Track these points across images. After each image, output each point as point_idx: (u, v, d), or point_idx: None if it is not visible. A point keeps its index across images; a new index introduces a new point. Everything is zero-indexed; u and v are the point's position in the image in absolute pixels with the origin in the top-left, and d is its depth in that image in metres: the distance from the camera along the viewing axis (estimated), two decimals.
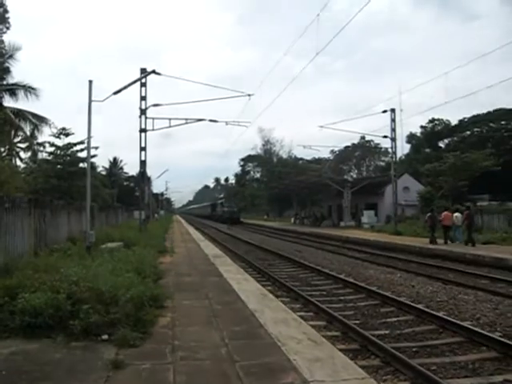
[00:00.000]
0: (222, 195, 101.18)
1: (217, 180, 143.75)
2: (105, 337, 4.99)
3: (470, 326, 6.88)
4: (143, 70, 18.07)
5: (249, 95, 19.53)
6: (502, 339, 6.21)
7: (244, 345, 4.92)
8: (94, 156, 24.42)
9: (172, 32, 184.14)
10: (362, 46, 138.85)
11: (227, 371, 4.11)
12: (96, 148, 23.93)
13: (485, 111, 55.15)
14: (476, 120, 54.96)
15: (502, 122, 52.49)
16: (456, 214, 20.09)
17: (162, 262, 12.17)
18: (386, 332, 7.01)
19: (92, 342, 4.90)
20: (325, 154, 74.54)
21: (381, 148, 68.37)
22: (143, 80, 18.75)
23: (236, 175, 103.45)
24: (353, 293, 10.39)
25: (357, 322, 7.63)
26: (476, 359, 5.72)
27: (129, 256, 9.78)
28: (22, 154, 26.96)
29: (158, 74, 15.97)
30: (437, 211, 21.61)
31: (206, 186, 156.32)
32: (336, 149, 65.77)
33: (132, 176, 64.17)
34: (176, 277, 9.84)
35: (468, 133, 55.33)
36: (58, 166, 21.78)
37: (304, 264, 15.14)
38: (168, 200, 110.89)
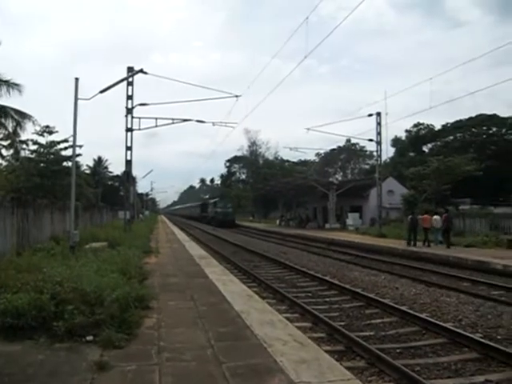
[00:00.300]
0: (207, 196, 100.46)
1: (202, 181, 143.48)
2: (89, 338, 4.92)
3: (452, 328, 7.00)
4: (130, 69, 17.91)
5: (236, 96, 19.53)
6: (483, 340, 6.35)
7: (230, 346, 4.91)
8: (78, 155, 24.08)
9: (160, 32, 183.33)
10: (347, 50, 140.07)
11: (213, 372, 4.09)
12: (80, 146, 23.60)
13: (467, 117, 56.20)
14: (459, 125, 55.96)
15: (484, 128, 53.58)
16: (435, 217, 20.61)
17: (147, 262, 12.08)
18: (371, 333, 7.08)
19: (76, 344, 4.83)
20: (311, 156, 74.97)
21: (366, 151, 69.18)
22: (130, 79, 18.58)
23: (221, 176, 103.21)
24: (338, 294, 10.46)
25: (342, 323, 7.69)
26: (458, 360, 5.82)
27: (114, 256, 9.68)
28: (4, 152, 26.45)
29: (145, 73, 15.87)
30: (420, 214, 22.00)
31: (192, 187, 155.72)
32: (322, 151, 66.10)
33: (117, 175, 63.44)
34: (161, 277, 9.76)
35: (451, 137, 56.32)
36: (42, 165, 21.46)
37: (289, 265, 15.19)
38: (153, 200, 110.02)
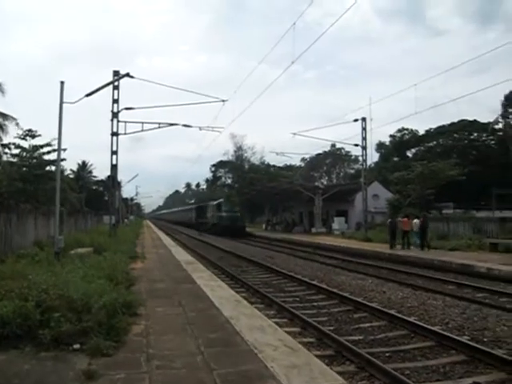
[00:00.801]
0: (192, 201, 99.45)
1: (188, 185, 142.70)
2: (76, 346, 4.81)
3: (439, 331, 7.07)
4: (116, 73, 17.76)
5: (223, 101, 19.52)
6: (470, 343, 6.43)
7: (220, 352, 4.86)
8: (62, 159, 23.69)
9: (145, 35, 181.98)
10: (333, 57, 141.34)
11: (204, 380, 4.04)
12: (64, 150, 23.20)
13: (450, 122, 57.18)
14: (441, 131, 56.89)
15: (465, 133, 54.57)
16: (415, 221, 21.20)
17: (133, 268, 11.92)
18: (360, 337, 7.09)
19: (63, 352, 4.71)
20: (296, 161, 75.25)
21: (351, 156, 69.86)
22: (116, 83, 18.43)
23: (207, 181, 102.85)
24: (326, 299, 10.48)
25: (331, 327, 7.70)
26: (446, 363, 5.87)
27: (100, 262, 9.53)
28: None
29: (132, 77, 15.74)
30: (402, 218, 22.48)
31: (177, 191, 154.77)
32: (307, 156, 66.49)
33: (101, 180, 62.66)
34: (148, 283, 9.64)
35: (434, 143, 57.22)
36: (24, 169, 21.02)
37: (277, 270, 15.18)
38: (138, 205, 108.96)
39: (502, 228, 21.68)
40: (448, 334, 6.83)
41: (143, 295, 8.03)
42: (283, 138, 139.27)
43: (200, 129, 22.21)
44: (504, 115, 51.93)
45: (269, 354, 4.74)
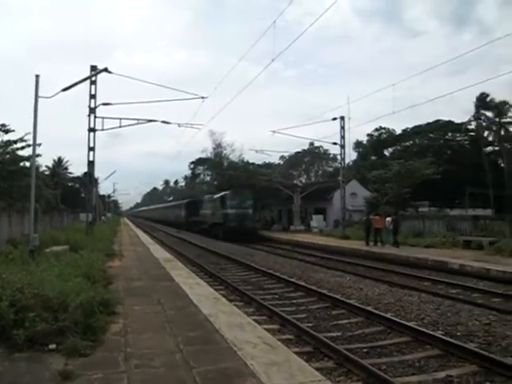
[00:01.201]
0: (169, 199, 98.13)
1: (166, 182, 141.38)
2: (52, 346, 4.72)
3: (415, 326, 7.22)
4: (93, 68, 17.43)
5: (202, 98, 19.39)
6: (444, 337, 6.60)
7: (200, 350, 4.84)
8: (37, 155, 23.17)
9: (124, 30, 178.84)
10: (313, 55, 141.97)
11: (184, 378, 4.03)
12: (39, 145, 22.68)
13: (425, 122, 58.39)
14: (418, 130, 58.02)
15: (441, 133, 55.82)
16: (388, 219, 21.79)
17: (111, 266, 11.76)
18: (338, 334, 7.19)
19: (38, 353, 4.61)
20: (275, 159, 75.42)
21: (329, 154, 70.55)
22: (93, 78, 18.08)
23: (186, 178, 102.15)
24: (304, 296, 10.57)
25: (309, 324, 7.77)
26: (421, 357, 6.01)
27: (76, 260, 9.36)
28: None
29: (110, 72, 15.46)
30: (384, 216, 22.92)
31: (155, 188, 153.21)
32: (286, 154, 66.75)
33: (78, 177, 61.42)
34: (126, 281, 9.53)
35: (411, 142, 58.32)
36: None
37: (255, 268, 15.22)
38: (115, 202, 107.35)
39: (475, 226, 22.27)
40: (423, 330, 6.99)
41: (121, 293, 7.93)
42: (263, 136, 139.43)
43: (179, 125, 22.02)
44: (476, 116, 53.38)
45: (248, 352, 4.75)
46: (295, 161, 76.66)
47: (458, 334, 7.10)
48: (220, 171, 76.31)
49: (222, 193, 34.04)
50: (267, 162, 75.14)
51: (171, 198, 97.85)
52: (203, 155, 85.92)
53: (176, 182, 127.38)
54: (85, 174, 24.67)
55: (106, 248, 14.96)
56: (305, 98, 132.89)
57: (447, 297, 10.15)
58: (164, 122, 21.43)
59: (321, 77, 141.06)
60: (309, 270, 14.87)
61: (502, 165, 51.66)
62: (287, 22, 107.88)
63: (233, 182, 41.27)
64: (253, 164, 78.07)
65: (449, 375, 5.32)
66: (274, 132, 29.93)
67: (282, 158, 74.53)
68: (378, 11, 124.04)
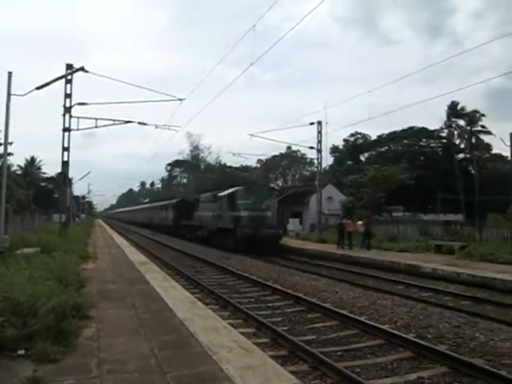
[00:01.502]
0: (143, 200, 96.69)
1: (142, 184, 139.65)
2: (21, 352, 4.57)
3: (388, 329, 7.34)
4: (69, 66, 17.09)
5: (180, 100, 19.28)
6: (416, 340, 6.73)
7: (174, 355, 4.80)
8: (9, 154, 22.56)
9: (103, 29, 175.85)
10: (291, 60, 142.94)
11: (158, 383, 3.98)
12: (10, 143, 22.08)
13: (401, 129, 59.67)
14: (393, 136, 59.27)
15: (415, 140, 57.16)
16: (359, 222, 22.30)
17: (84, 268, 11.52)
18: (313, 337, 7.24)
19: (6, 359, 4.45)
20: (253, 162, 75.60)
21: (306, 158, 71.14)
22: (69, 76, 17.72)
23: (162, 180, 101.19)
24: (280, 299, 10.60)
25: (285, 328, 7.80)
26: (394, 359, 6.11)
27: (48, 262, 9.13)
28: None
29: (86, 71, 15.24)
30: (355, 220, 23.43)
31: (131, 190, 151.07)
32: (264, 157, 66.97)
33: (51, 177, 59.98)
34: (100, 284, 9.36)
35: (386, 148, 59.46)
36: None
37: (232, 271, 15.18)
38: (90, 203, 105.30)
39: (446, 230, 22.85)
40: (396, 332, 7.11)
41: (95, 297, 7.78)
42: (240, 139, 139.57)
43: (156, 127, 21.78)
44: (448, 124, 54.97)
45: (223, 356, 4.74)
46: (272, 164, 76.99)
47: (430, 336, 7.25)
48: (197, 173, 76.02)
49: (231, 189, 25.76)
50: (244, 165, 75.27)
51: (147, 200, 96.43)
52: (180, 157, 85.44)
53: (152, 184, 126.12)
54: (59, 174, 24.10)
55: (79, 250, 14.65)
56: (283, 102, 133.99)
57: (419, 300, 10.38)
58: (141, 123, 21.19)
59: (299, 81, 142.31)
60: (285, 274, 14.93)
61: (473, 171, 53.25)
62: (266, 26, 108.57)
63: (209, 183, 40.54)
64: (230, 167, 78.08)
65: (420, 377, 5.44)
66: (251, 135, 29.92)
67: (259, 161, 74.83)
68: (355, 19, 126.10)
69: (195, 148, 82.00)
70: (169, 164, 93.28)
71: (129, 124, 20.98)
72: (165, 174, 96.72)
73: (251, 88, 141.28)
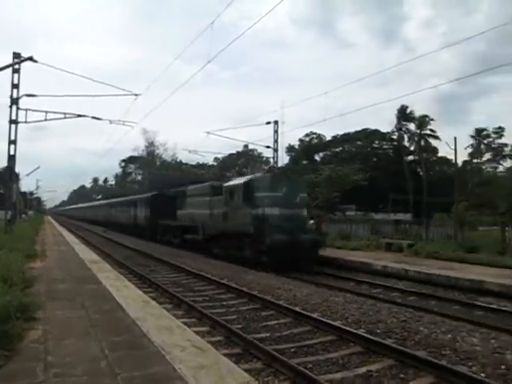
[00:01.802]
0: (99, 196, 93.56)
1: (95, 180, 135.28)
2: None
3: (340, 325, 7.55)
4: (16, 55, 16.23)
5: (136, 95, 18.86)
6: (366, 335, 6.96)
7: (126, 356, 4.69)
8: None
9: (60, 21, 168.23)
10: (248, 59, 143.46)
11: None
12: None
13: (354, 130, 61.44)
14: (347, 138, 60.93)
15: (368, 141, 59.10)
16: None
17: (32, 267, 10.99)
18: (267, 335, 7.32)
19: None
20: (209, 160, 75.30)
21: (263, 157, 71.73)
22: (16, 66, 16.82)
23: (116, 176, 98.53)
24: (235, 297, 10.64)
25: (239, 326, 7.83)
26: (345, 355, 6.31)
27: None
28: None
29: (35, 61, 14.53)
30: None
31: (83, 187, 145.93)
32: (220, 156, 66.88)
33: None
34: (48, 284, 8.97)
35: (340, 148, 61.01)
36: None
37: (186, 269, 15.04)
38: (39, 200, 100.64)
39: (396, 229, 23.83)
40: (347, 328, 7.33)
41: (42, 297, 7.44)
42: (197, 137, 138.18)
43: (110, 122, 21.22)
44: (398, 127, 57.31)
45: (177, 355, 4.69)
46: (229, 162, 77.00)
47: (379, 331, 7.52)
48: (152, 170, 74.64)
49: (247, 177, 19.56)
50: (201, 162, 74.84)
51: (100, 197, 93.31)
52: (135, 153, 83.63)
53: (105, 181, 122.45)
54: (4, 168, 22.87)
55: (27, 248, 13.96)
56: (240, 100, 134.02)
57: (370, 296, 10.77)
58: (94, 117, 20.55)
59: (256, 80, 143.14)
60: (240, 272, 14.97)
61: (421, 173, 55.77)
62: (224, 23, 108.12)
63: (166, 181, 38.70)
64: (186, 164, 77.27)
65: (369, 370, 5.65)
66: (208, 133, 29.70)
67: (216, 159, 74.60)
68: (312, 21, 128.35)
69: (151, 144, 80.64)
70: (123, 160, 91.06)
71: (82, 118, 20.28)
72: (119, 170, 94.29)
73: (209, 85, 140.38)
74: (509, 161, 46.82)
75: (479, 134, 54.62)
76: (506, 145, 51.24)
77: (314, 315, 8.36)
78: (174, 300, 10.11)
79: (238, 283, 12.31)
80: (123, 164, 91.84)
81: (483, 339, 6.96)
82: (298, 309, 8.93)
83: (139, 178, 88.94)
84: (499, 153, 51.05)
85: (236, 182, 19.15)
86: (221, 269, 15.56)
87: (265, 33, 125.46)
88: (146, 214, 31.37)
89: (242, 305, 9.83)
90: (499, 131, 50.88)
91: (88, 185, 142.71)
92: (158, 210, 28.08)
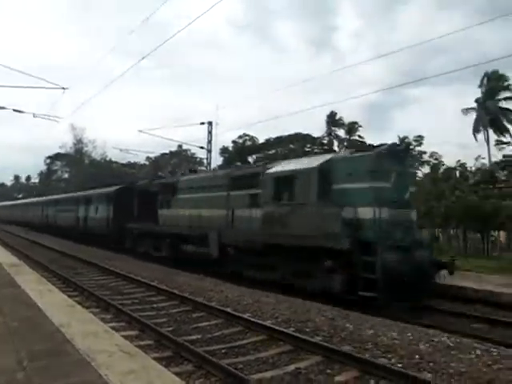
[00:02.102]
0: (21, 195, 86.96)
1: (16, 178, 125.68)
2: None
3: (270, 325, 7.70)
4: None
5: (63, 88, 17.87)
6: (295, 334, 7.16)
7: (47, 365, 4.41)
8: None
9: None
10: (184, 58, 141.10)
11: None
12: None
13: (287, 134, 63.00)
14: (279, 141, 62.31)
15: (300, 145, 60.90)
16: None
17: None
18: (198, 337, 7.28)
19: None
20: (141, 159, 73.28)
21: (196, 158, 71.26)
22: None
23: (41, 173, 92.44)
24: (166, 300, 10.45)
25: (170, 328, 7.72)
26: (275, 353, 6.44)
27: None
28: None
29: None
30: None
31: (3, 184, 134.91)
32: (153, 155, 65.31)
33: None
34: None
35: (273, 151, 62.22)
36: None
37: (115, 272, 14.52)
38: None
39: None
40: (277, 328, 7.49)
41: None
42: (129, 135, 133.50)
43: (34, 116, 19.91)
44: (328, 132, 59.92)
45: (103, 362, 4.51)
46: (162, 162, 75.45)
47: (307, 329, 7.76)
48: (81, 169, 71.00)
49: (319, 157, 12.76)
50: (132, 161, 72.61)
51: (21, 196, 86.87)
52: (62, 151, 78.92)
53: (28, 178, 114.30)
54: None
55: None
56: (175, 99, 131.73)
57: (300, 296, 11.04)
58: (16, 110, 19.18)
59: (192, 80, 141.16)
60: (171, 274, 14.74)
61: None
62: (159, 22, 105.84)
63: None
64: (116, 163, 74.48)
65: (297, 367, 5.81)
66: (140, 131, 28.98)
67: (148, 158, 72.77)
68: (249, 24, 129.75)
69: (79, 141, 76.52)
70: (49, 157, 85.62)
71: (1, 110, 18.80)
72: (43, 167, 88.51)
73: (142, 83, 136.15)
74: (426, 167, 50.52)
75: (402, 141, 58.57)
76: (424, 152, 55.25)
77: (245, 316, 8.45)
78: (101, 304, 9.71)
79: (168, 285, 12.10)
80: (49, 161, 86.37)
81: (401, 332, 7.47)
82: (229, 310, 8.97)
83: (66, 176, 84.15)
84: (418, 160, 54.72)
85: (298, 167, 12.01)
86: (151, 271, 15.20)
87: (201, 33, 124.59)
88: (108, 214, 23.94)
89: (172, 307, 9.68)
90: (419, 139, 54.48)
91: (9, 183, 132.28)
92: (126, 210, 21.51)
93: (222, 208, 14.51)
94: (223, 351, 6.52)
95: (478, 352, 6.45)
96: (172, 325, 8.15)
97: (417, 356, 6.27)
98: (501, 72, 41.25)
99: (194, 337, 7.25)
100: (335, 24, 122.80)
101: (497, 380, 5.38)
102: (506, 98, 42.25)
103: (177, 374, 4.70)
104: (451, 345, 6.82)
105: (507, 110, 42.26)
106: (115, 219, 22.60)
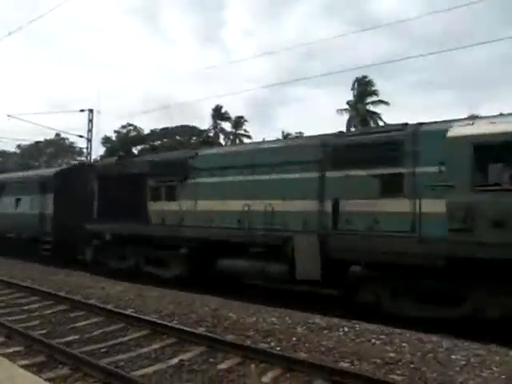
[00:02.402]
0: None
1: None
2: None
3: (153, 319, 7.60)
4: None
5: None
6: (178, 326, 7.21)
7: None
8: None
9: None
10: (61, 38, 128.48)
11: None
12: None
13: (174, 125, 62.07)
14: (166, 132, 61.16)
15: (187, 137, 60.55)
16: None
17: None
18: (76, 337, 6.86)
19: None
20: (11, 147, 65.73)
21: (75, 147, 66.38)
22: None
23: None
24: (39, 300, 9.64)
25: (43, 331, 7.15)
26: (159, 348, 6.38)
27: None
28: None
29: None
30: None
31: None
32: (25, 143, 59.01)
33: None
34: None
35: (159, 142, 60.79)
36: None
37: None
38: None
39: None
40: (160, 322, 7.44)
41: None
42: None
43: None
44: (214, 125, 60.88)
45: None
46: (35, 151, 68.64)
47: (191, 321, 7.85)
48: None
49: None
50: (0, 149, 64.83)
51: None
52: None
53: None
54: None
55: None
56: (54, 83, 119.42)
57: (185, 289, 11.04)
58: None
59: (72, 63, 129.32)
60: (48, 273, 13.62)
61: None
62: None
63: None
64: None
65: (181, 359, 5.84)
66: (9, 116, 26.11)
67: (19, 146, 65.69)
68: (134, 9, 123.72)
69: None
70: None
71: None
72: None
73: (13, 61, 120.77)
74: None
75: (285, 137, 61.75)
76: None
77: (127, 311, 8.22)
78: None
79: (43, 285, 11.16)
80: None
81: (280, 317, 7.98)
82: (110, 307, 8.63)
83: None
84: None
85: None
86: (23, 269, 13.82)
87: (80, 12, 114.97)
88: (43, 209, 16.65)
89: (47, 308, 8.96)
90: (300, 136, 58.02)
91: None
92: (75, 203, 15.10)
93: (309, 198, 9.27)
94: (103, 350, 6.24)
95: (346, 329, 7.23)
96: (46, 327, 7.54)
97: (294, 338, 6.77)
98: (369, 78, 45.64)
99: (70, 338, 6.81)
100: (224, 18, 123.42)
101: (360, 351, 6.10)
102: (373, 102, 46.94)
103: (50, 379, 4.42)
104: (324, 325, 7.51)
105: (374, 113, 47.04)
106: (57, 217, 15.93)
